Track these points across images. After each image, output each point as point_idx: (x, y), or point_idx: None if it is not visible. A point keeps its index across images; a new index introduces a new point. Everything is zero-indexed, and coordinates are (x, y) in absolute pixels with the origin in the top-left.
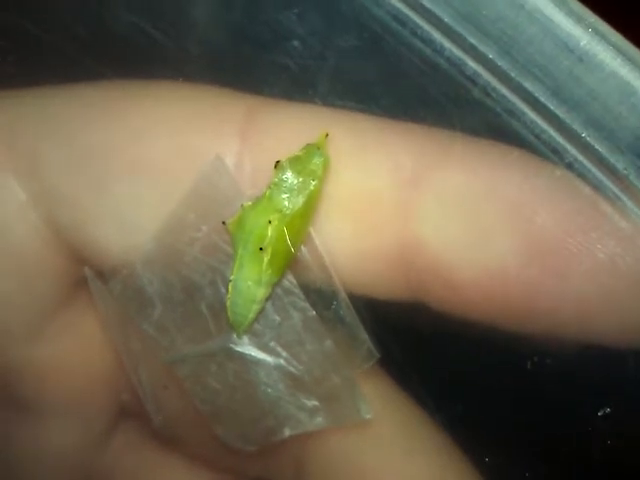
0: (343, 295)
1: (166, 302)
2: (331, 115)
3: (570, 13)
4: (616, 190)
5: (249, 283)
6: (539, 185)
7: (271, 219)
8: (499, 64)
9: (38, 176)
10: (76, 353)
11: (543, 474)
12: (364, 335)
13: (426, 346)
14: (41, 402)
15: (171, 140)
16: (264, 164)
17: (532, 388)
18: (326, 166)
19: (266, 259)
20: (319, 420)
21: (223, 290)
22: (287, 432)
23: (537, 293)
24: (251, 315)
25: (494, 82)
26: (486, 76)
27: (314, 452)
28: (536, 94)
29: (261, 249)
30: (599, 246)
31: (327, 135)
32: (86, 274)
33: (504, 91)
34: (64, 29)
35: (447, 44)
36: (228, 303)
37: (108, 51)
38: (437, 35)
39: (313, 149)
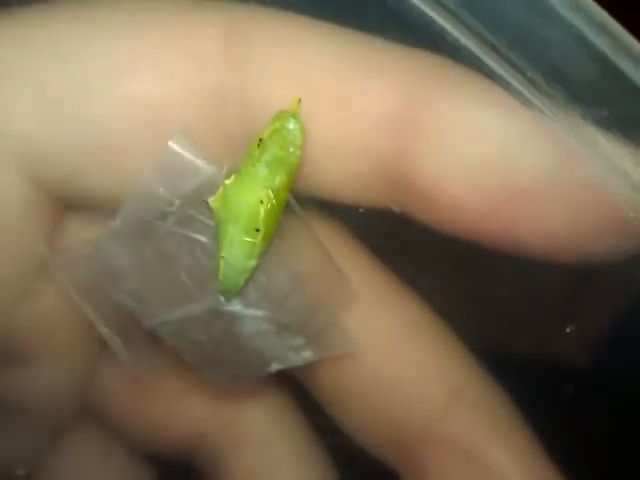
0: (324, 248)
1: (140, 273)
2: (316, 31)
3: None
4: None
5: (241, 258)
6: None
7: (262, 199)
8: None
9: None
10: (59, 307)
11: None
12: (343, 275)
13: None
14: (30, 355)
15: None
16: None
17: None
18: (303, 133)
19: (260, 236)
20: (306, 355)
21: (203, 259)
22: (274, 367)
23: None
24: (241, 284)
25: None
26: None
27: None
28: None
29: (257, 230)
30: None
31: (300, 100)
32: (43, 255)
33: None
34: None
35: None
36: (220, 276)
37: None
38: None
39: (288, 117)
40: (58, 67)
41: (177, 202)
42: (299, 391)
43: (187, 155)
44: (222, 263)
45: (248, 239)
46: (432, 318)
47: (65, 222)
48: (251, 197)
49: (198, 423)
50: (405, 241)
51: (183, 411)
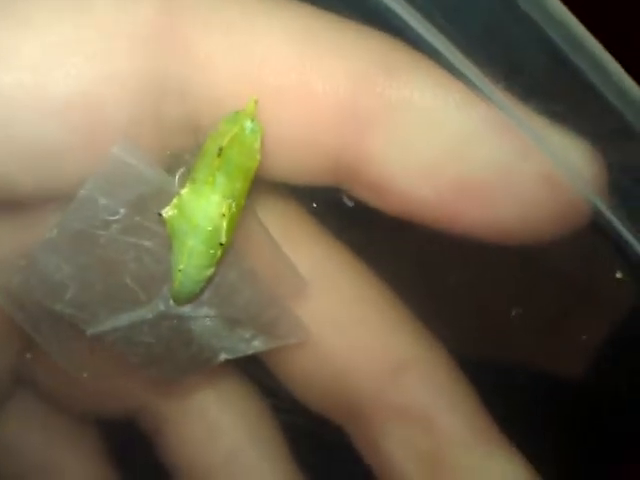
0: (274, 242)
1: (80, 282)
2: (259, 6)
3: None
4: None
5: (201, 268)
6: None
7: (224, 212)
8: None
9: None
10: None
11: None
12: (292, 266)
13: None
14: None
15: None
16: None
17: None
18: (262, 136)
19: (222, 246)
20: (256, 344)
21: (151, 264)
22: (223, 357)
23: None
24: (198, 291)
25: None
26: None
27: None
28: None
29: (221, 244)
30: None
31: (256, 102)
32: None
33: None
34: None
35: None
36: (176, 286)
37: None
38: None
39: (246, 120)
40: None
41: (122, 211)
42: (250, 373)
43: (131, 161)
44: (180, 275)
45: (210, 251)
46: (382, 293)
47: None
48: (211, 209)
49: (134, 396)
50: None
51: (123, 385)
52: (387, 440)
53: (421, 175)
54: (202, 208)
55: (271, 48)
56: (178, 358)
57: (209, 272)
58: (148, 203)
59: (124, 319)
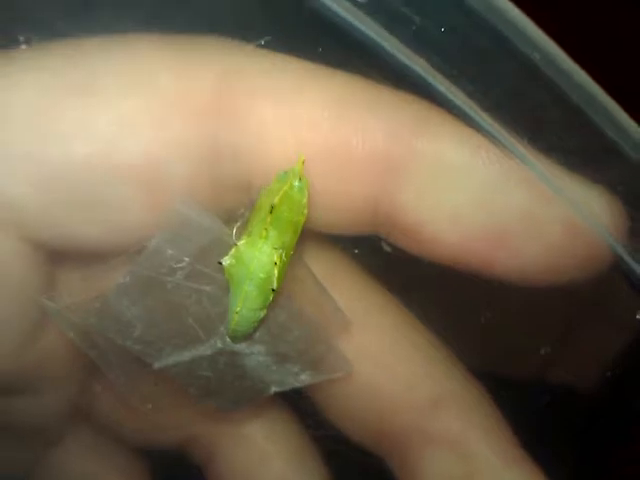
0: (321, 285)
1: (148, 322)
2: (304, 74)
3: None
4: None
5: (255, 311)
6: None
7: (276, 261)
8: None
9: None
10: (59, 344)
11: None
12: (337, 306)
13: None
14: (30, 385)
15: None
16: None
17: None
18: (308, 192)
19: (272, 296)
20: (303, 378)
21: (210, 306)
22: (273, 389)
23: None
24: (251, 331)
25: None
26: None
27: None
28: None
29: (273, 290)
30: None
31: (303, 162)
32: (46, 307)
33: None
34: None
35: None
36: (233, 327)
37: None
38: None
39: (295, 179)
40: (41, 121)
41: (186, 259)
42: (296, 405)
43: (193, 216)
44: (236, 316)
45: (263, 296)
46: (419, 330)
47: (65, 272)
48: (265, 259)
49: (190, 426)
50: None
51: (176, 417)
52: (425, 467)
53: (450, 223)
54: (257, 258)
55: (315, 112)
56: (232, 390)
57: (262, 314)
58: (208, 253)
59: (186, 355)
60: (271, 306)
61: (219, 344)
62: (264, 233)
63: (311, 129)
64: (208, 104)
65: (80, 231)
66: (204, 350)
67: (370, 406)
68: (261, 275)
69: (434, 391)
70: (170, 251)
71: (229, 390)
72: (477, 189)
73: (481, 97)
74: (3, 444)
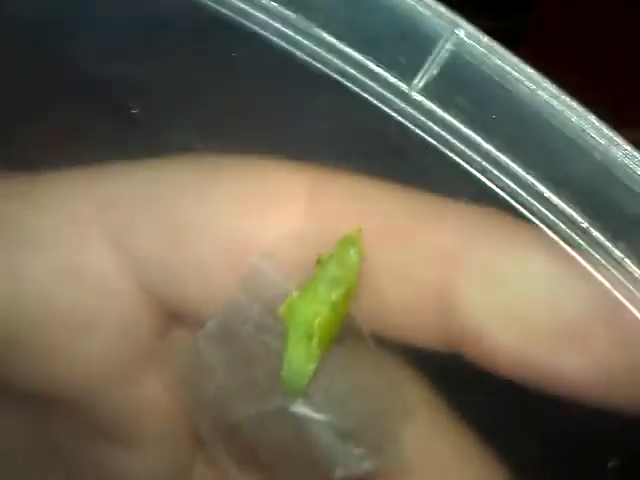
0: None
1: (227, 371)
2: (377, 190)
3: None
4: None
5: (301, 361)
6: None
7: (318, 311)
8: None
9: (130, 244)
10: (163, 395)
11: None
12: (401, 390)
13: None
14: (131, 436)
15: (240, 215)
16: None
17: None
18: (361, 257)
19: (315, 342)
20: (365, 465)
21: (276, 361)
22: (339, 473)
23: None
24: (303, 386)
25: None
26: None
27: None
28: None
29: (311, 338)
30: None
31: (360, 230)
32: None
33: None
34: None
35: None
36: (283, 377)
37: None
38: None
39: (349, 243)
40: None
41: (256, 309)
42: None
43: (267, 271)
44: (285, 364)
45: (304, 344)
46: (479, 451)
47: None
48: (309, 309)
49: None
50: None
51: None
52: None
53: (510, 326)
54: (303, 307)
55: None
56: (299, 462)
57: (309, 367)
58: (274, 305)
59: (256, 409)
60: (329, 369)
61: (283, 402)
62: (313, 285)
63: (384, 228)
64: (300, 207)
65: (186, 289)
66: (270, 406)
67: None
68: (303, 324)
69: None
70: (244, 299)
71: (298, 462)
72: (541, 295)
73: (546, 185)
74: None
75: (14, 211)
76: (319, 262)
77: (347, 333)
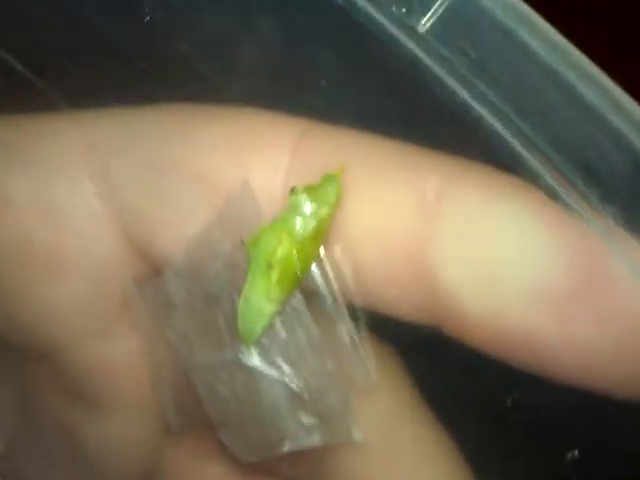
0: (347, 318)
1: (188, 311)
2: (366, 140)
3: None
4: None
5: (259, 298)
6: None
7: (282, 239)
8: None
9: (110, 184)
10: (139, 353)
11: None
12: (368, 364)
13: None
14: (106, 399)
15: (227, 155)
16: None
17: None
18: (339, 195)
19: (274, 276)
20: (315, 438)
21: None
22: (286, 447)
23: (538, 338)
24: (259, 329)
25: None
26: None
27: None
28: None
29: (271, 268)
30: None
31: (343, 168)
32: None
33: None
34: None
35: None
36: (239, 315)
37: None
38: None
39: (329, 178)
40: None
41: (227, 245)
42: None
43: (244, 206)
44: (242, 300)
45: (264, 279)
46: (450, 447)
47: None
48: (273, 237)
49: None
50: None
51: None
52: None
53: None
54: (268, 238)
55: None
56: (247, 429)
57: (268, 307)
58: (242, 239)
59: (209, 358)
60: (289, 320)
61: (236, 351)
62: (283, 216)
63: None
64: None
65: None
66: (224, 356)
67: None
68: (264, 253)
69: None
70: (218, 233)
71: (245, 427)
72: (521, 247)
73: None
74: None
75: (6, 135)
76: (293, 191)
77: (315, 291)
